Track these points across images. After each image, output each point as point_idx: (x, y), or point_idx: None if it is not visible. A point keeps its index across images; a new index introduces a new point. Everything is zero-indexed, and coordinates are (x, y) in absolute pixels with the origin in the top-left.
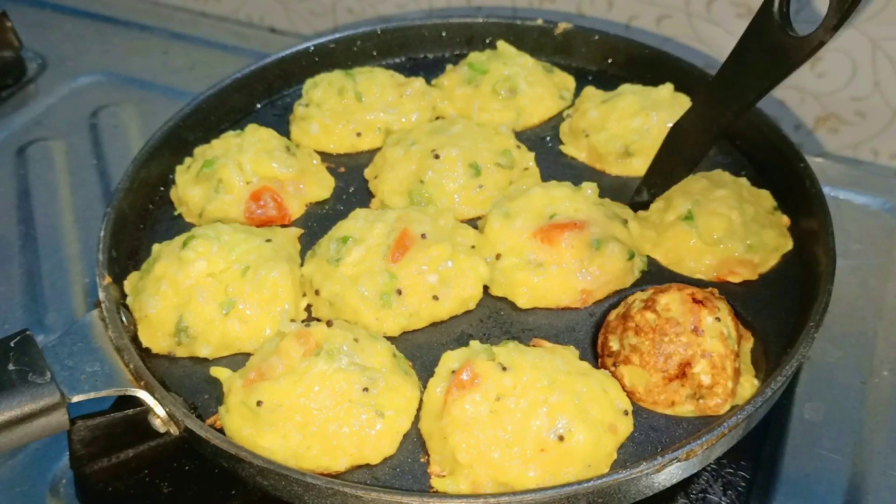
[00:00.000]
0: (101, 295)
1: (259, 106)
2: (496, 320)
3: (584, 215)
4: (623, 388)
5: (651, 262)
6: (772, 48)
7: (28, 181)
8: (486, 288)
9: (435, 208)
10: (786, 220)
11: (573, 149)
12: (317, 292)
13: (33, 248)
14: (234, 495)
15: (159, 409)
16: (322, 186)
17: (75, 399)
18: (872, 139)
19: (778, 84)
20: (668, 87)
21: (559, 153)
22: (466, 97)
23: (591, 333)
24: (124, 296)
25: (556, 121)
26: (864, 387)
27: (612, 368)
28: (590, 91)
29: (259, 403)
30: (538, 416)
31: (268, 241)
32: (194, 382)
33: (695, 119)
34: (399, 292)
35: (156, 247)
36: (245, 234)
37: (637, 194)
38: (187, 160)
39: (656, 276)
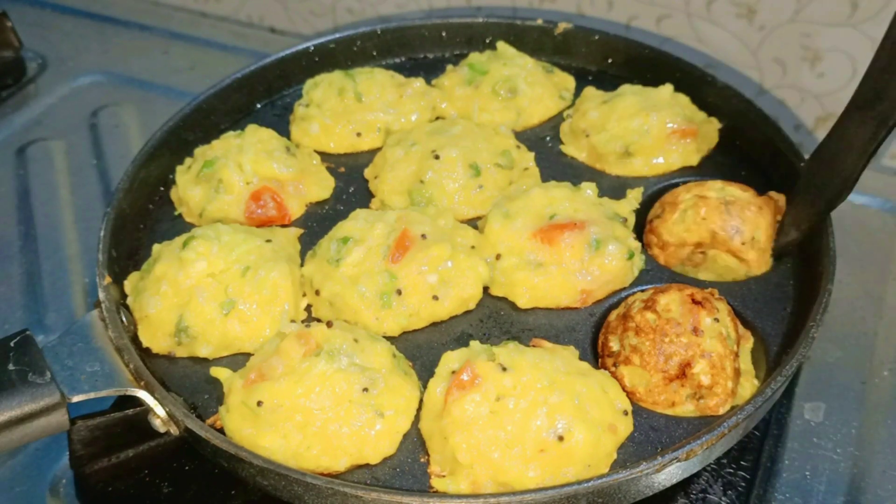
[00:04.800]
0: (101, 295)
1: (259, 106)
2: (496, 320)
3: (584, 215)
4: (623, 388)
5: (650, 261)
6: None
7: (28, 181)
8: (486, 288)
9: (435, 208)
10: None
11: (573, 149)
12: (317, 292)
13: (33, 248)
14: (234, 495)
15: (159, 409)
16: (322, 186)
17: (75, 399)
18: None
19: None
20: (667, 88)
21: (559, 153)
22: (466, 97)
23: (591, 333)
24: (124, 296)
25: (556, 121)
26: (864, 387)
27: (613, 369)
28: (590, 91)
29: (259, 403)
30: (538, 416)
31: (268, 241)
32: (194, 382)
33: (847, 137)
34: (399, 292)
35: (156, 247)
36: (245, 234)
37: (784, 237)
38: (187, 160)
39: (656, 275)
